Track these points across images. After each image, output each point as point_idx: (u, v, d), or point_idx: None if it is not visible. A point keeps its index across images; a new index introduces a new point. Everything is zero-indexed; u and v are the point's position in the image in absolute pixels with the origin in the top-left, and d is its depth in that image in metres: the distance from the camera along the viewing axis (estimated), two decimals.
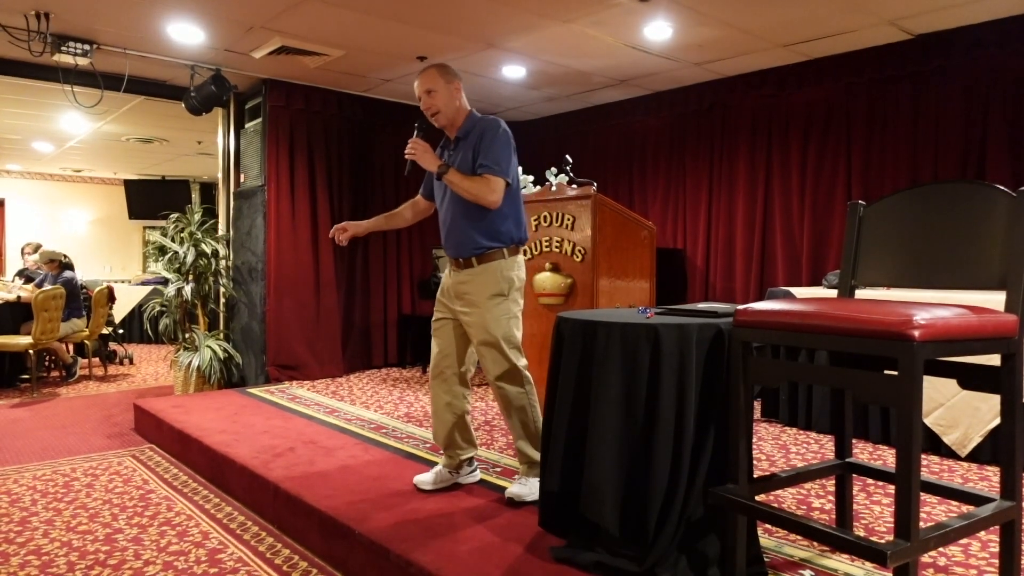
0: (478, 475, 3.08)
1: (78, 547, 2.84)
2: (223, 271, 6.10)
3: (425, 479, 2.97)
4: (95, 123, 7.37)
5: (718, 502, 1.97)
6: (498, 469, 3.30)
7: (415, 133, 2.88)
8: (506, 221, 2.82)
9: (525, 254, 4.51)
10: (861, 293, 2.31)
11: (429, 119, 2.89)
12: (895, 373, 1.62)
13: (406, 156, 2.83)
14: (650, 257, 4.59)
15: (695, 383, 2.10)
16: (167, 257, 5.84)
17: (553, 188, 4.45)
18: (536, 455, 2.79)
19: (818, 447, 3.79)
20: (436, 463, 3.09)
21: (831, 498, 2.86)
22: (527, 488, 2.78)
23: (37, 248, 7.69)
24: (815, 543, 2.40)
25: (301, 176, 6.06)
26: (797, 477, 2.25)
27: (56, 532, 3.00)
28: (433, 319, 3.02)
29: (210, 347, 5.64)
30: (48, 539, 2.93)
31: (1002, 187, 1.94)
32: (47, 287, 6.32)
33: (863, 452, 3.69)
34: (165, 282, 6.00)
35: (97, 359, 7.36)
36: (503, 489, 2.89)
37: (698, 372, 2.11)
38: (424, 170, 2.93)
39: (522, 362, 2.84)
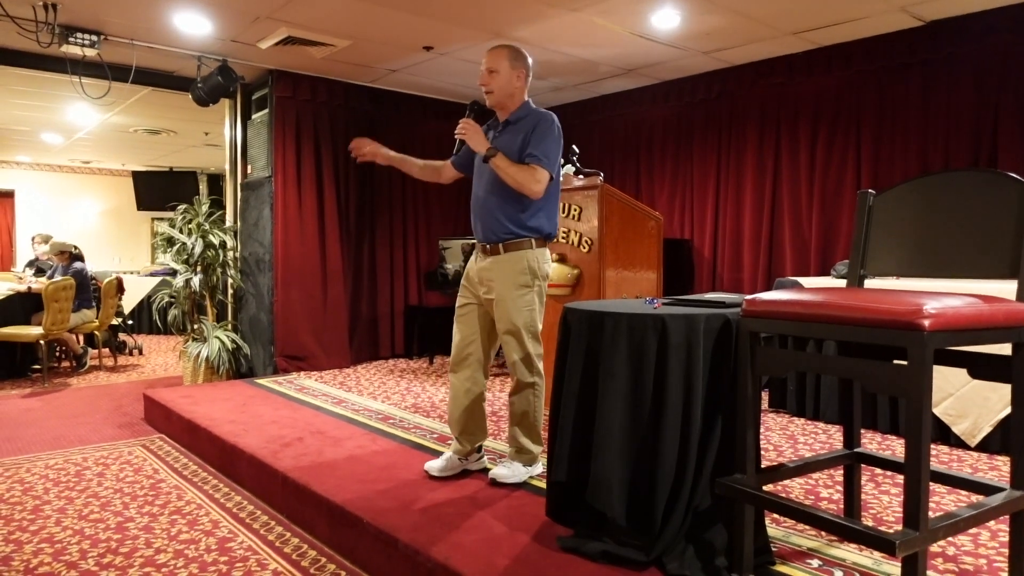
0: (485, 461, 3.12)
1: (90, 535, 2.87)
2: (231, 262, 6.12)
3: (435, 465, 3.00)
4: (103, 114, 7.39)
5: (725, 492, 1.97)
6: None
7: (467, 113, 2.90)
8: (539, 213, 2.85)
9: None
10: (870, 283, 2.29)
11: (484, 96, 2.90)
12: (904, 363, 1.61)
13: (456, 135, 2.85)
14: (657, 247, 4.57)
15: (702, 373, 2.10)
16: (175, 248, 5.86)
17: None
18: (526, 443, 2.93)
19: (826, 437, 3.78)
20: (443, 453, 3.11)
21: (839, 488, 2.86)
22: (510, 471, 2.89)
23: (47, 239, 7.74)
24: (823, 533, 2.40)
25: (308, 167, 6.06)
26: (805, 467, 2.25)
27: (68, 520, 3.03)
28: (457, 305, 3.02)
29: (218, 338, 5.67)
30: (60, 527, 2.96)
31: (1014, 175, 1.92)
32: (58, 278, 6.36)
33: (871, 442, 3.68)
34: (173, 273, 6.03)
35: (107, 349, 7.41)
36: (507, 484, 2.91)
37: (705, 362, 2.11)
38: (464, 144, 2.95)
39: (539, 351, 2.90)
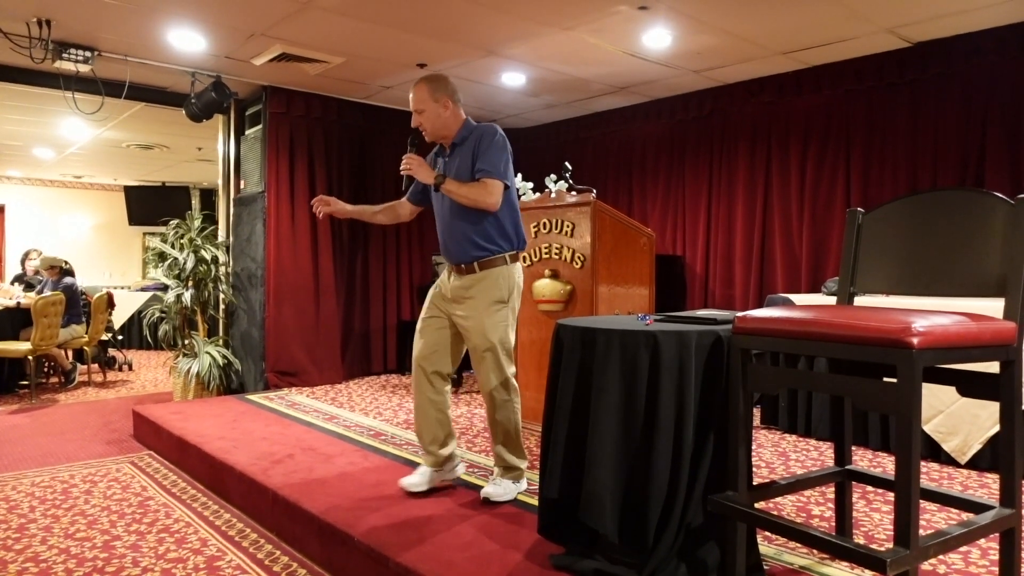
0: (462, 469, 3.14)
1: (76, 554, 2.83)
2: (223, 277, 6.10)
3: (411, 481, 2.99)
4: (96, 129, 7.39)
5: (718, 509, 1.97)
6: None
7: (408, 148, 2.91)
8: (505, 227, 2.87)
9: (524, 261, 4.54)
10: (860, 300, 2.31)
11: (411, 139, 2.95)
12: (894, 380, 1.62)
13: (402, 172, 2.87)
14: (649, 264, 4.60)
15: (694, 390, 2.10)
16: (167, 263, 5.84)
17: (553, 195, 4.46)
18: (512, 459, 2.95)
19: (817, 454, 3.78)
20: (418, 467, 3.10)
21: (831, 505, 2.86)
22: (501, 489, 2.90)
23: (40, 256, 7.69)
24: (815, 551, 2.39)
25: (301, 183, 6.07)
26: (797, 484, 2.25)
27: (54, 539, 2.99)
28: (422, 316, 3.03)
29: (209, 353, 5.64)
30: (46, 546, 2.92)
31: (1000, 195, 1.94)
32: (47, 293, 6.32)
33: (863, 459, 3.68)
34: (165, 288, 6.00)
35: (96, 365, 7.36)
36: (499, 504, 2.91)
37: (697, 379, 2.11)
38: (413, 179, 2.97)
39: (511, 370, 2.91)
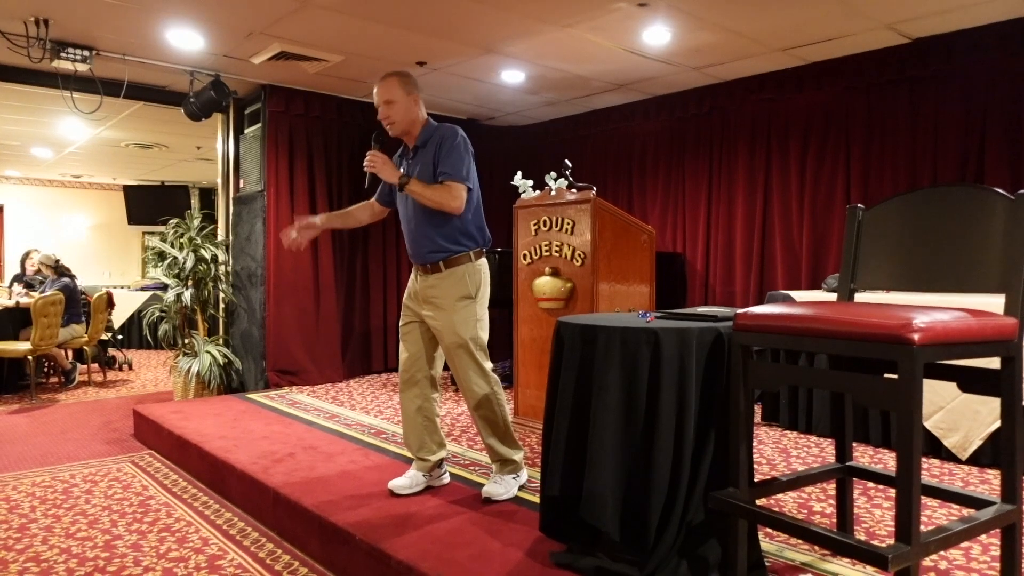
0: (447, 477, 3.14)
1: (77, 553, 2.83)
2: (222, 276, 6.10)
3: (400, 483, 2.99)
4: (94, 129, 7.38)
5: (719, 506, 1.97)
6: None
7: (372, 146, 2.90)
8: (469, 225, 2.90)
9: (525, 259, 4.54)
10: (860, 296, 2.31)
11: (385, 128, 2.93)
12: (895, 376, 1.62)
13: (365, 168, 2.86)
14: (650, 261, 4.59)
15: (695, 387, 2.10)
16: (166, 262, 5.84)
17: (552, 193, 4.46)
18: (506, 451, 2.94)
19: (818, 451, 3.78)
20: (407, 471, 3.10)
21: (832, 502, 2.86)
22: (501, 487, 2.89)
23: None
24: (816, 547, 2.39)
25: (300, 181, 6.06)
26: (798, 481, 2.25)
27: (55, 539, 2.99)
28: (401, 323, 3.06)
29: (209, 353, 5.64)
30: (47, 546, 2.92)
31: (1000, 190, 1.94)
32: (48, 293, 6.32)
33: (864, 456, 3.68)
34: (164, 287, 6.00)
35: (96, 365, 7.35)
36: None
37: (698, 376, 2.11)
38: (376, 178, 2.96)
39: (487, 364, 2.91)
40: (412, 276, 3.03)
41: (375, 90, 2.92)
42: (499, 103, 6.45)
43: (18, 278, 7.91)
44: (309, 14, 4.30)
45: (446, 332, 2.87)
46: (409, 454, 3.07)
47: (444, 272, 2.87)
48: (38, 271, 7.39)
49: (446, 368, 3.08)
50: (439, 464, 3.07)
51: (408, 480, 3.00)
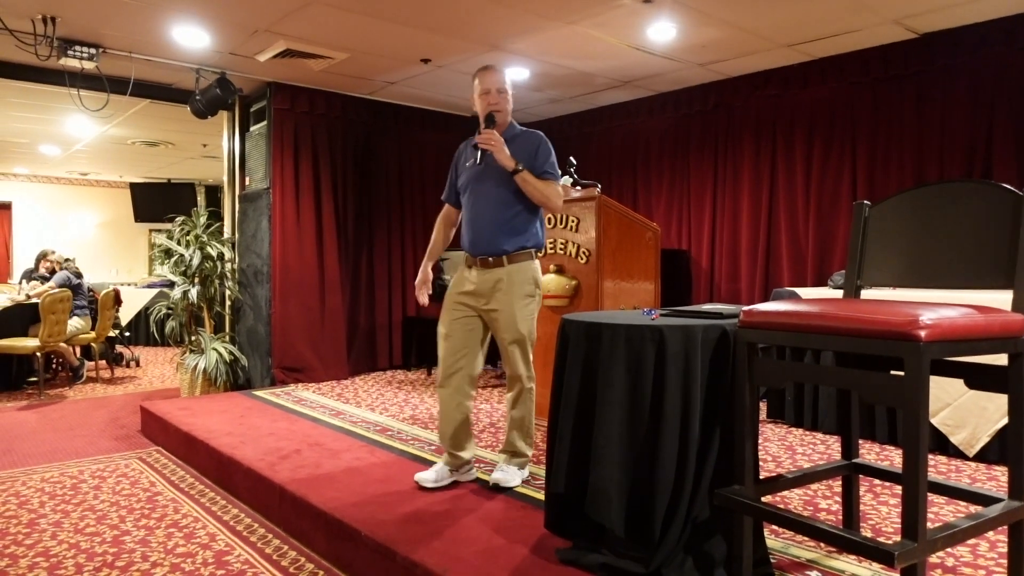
0: (475, 473, 3.15)
1: (86, 549, 2.85)
2: (229, 274, 6.11)
3: (427, 476, 3.01)
4: (101, 126, 7.41)
5: (724, 503, 1.97)
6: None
7: (487, 125, 2.93)
8: (534, 225, 2.99)
9: None
10: (867, 293, 2.30)
11: (492, 116, 2.95)
12: (901, 373, 1.62)
13: (481, 146, 2.89)
14: (655, 258, 4.58)
15: (700, 384, 2.09)
16: (173, 260, 5.86)
17: None
18: (523, 447, 3.05)
19: (824, 448, 3.77)
20: (434, 464, 3.13)
21: (838, 499, 2.86)
22: (508, 475, 2.99)
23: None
24: (822, 544, 2.39)
25: (306, 179, 6.07)
26: (803, 478, 2.25)
27: (64, 534, 3.01)
28: (451, 319, 3.02)
29: (216, 350, 5.66)
30: (56, 541, 2.94)
31: (1008, 186, 1.93)
32: (47, 286, 6.36)
33: (870, 452, 3.67)
34: (171, 285, 6.02)
35: (104, 361, 7.39)
36: (508, 491, 2.95)
37: (703, 373, 2.11)
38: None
39: (531, 359, 3.03)
40: (462, 271, 3.04)
41: (483, 75, 2.98)
42: None
43: (28, 275, 7.95)
44: (314, 11, 4.30)
45: (507, 325, 2.91)
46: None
47: (508, 267, 2.92)
48: (52, 269, 7.45)
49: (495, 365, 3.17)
50: (468, 461, 3.09)
51: (435, 474, 3.02)
